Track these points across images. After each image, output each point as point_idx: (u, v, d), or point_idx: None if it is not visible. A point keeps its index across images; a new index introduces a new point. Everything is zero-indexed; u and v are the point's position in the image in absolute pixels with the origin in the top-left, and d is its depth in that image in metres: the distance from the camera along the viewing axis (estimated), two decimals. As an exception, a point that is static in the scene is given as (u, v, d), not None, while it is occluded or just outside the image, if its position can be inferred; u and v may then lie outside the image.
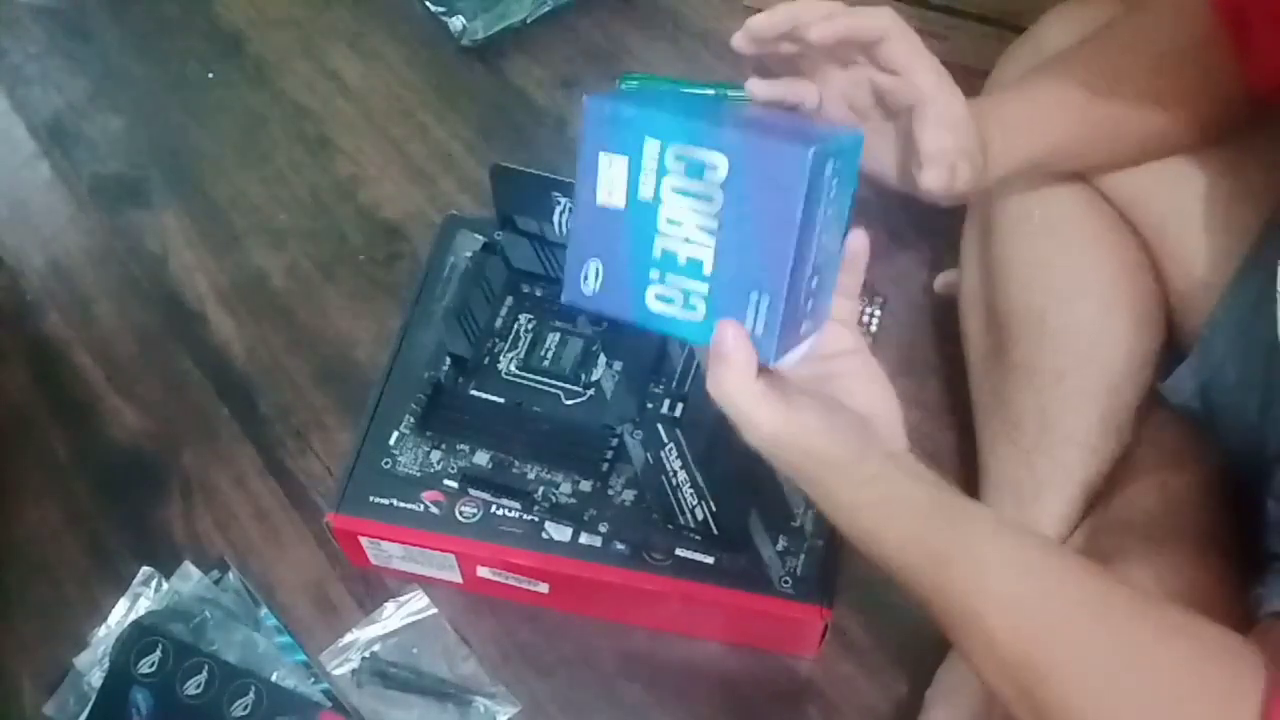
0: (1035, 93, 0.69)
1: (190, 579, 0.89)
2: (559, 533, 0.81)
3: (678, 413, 0.83)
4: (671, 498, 0.79)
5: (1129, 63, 0.68)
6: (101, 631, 0.87)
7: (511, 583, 0.83)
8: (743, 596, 0.78)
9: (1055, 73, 0.70)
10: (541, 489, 0.82)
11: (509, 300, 0.91)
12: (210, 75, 1.21)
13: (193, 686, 0.83)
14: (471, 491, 0.82)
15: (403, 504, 0.82)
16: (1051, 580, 0.52)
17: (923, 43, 0.63)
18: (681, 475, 0.79)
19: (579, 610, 0.86)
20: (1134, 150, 0.72)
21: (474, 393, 0.86)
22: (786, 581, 0.78)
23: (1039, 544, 0.56)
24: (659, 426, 0.81)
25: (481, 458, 0.84)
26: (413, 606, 0.87)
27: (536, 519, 0.81)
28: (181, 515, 0.94)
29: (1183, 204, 0.72)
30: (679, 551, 0.79)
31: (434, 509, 0.82)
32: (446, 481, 0.82)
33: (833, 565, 0.79)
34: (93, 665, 0.86)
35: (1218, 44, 0.65)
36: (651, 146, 0.51)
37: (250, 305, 1.05)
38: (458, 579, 0.86)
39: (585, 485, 0.82)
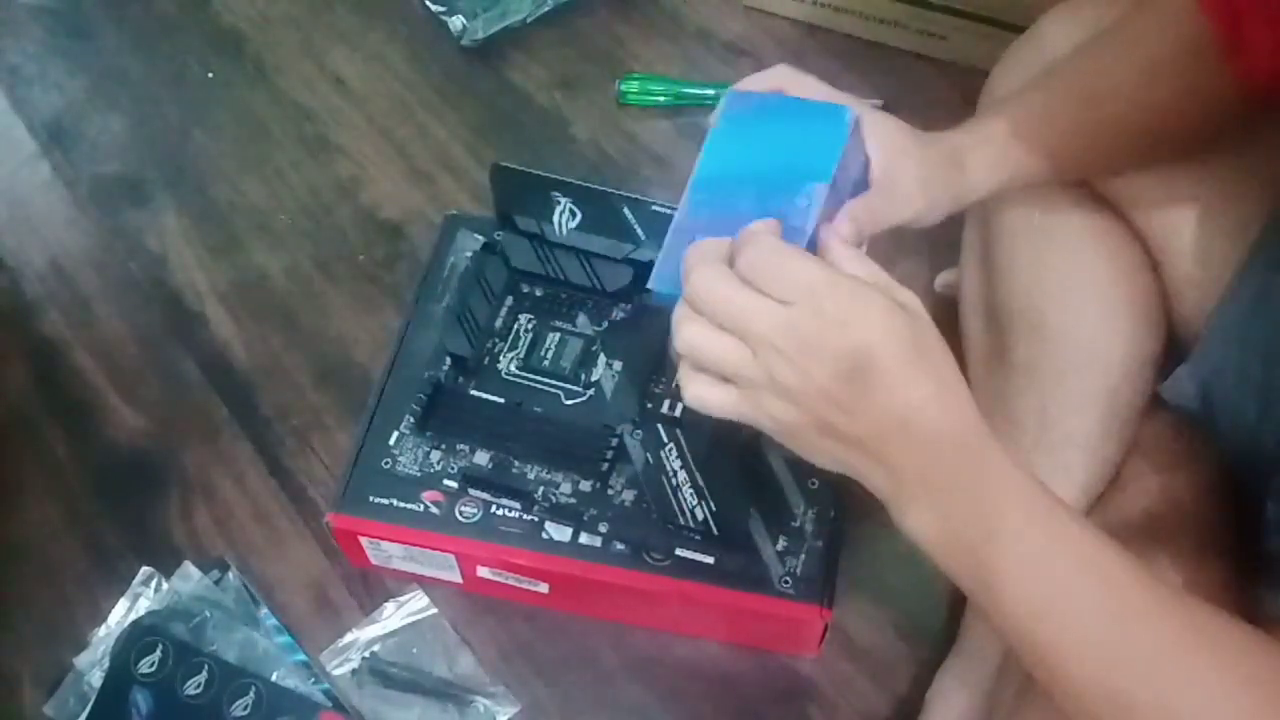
0: (1023, 108, 0.69)
1: (190, 579, 0.89)
2: (559, 533, 0.81)
3: (678, 413, 0.83)
4: (671, 498, 0.79)
5: (1120, 72, 0.68)
6: (101, 631, 0.87)
7: (511, 583, 0.83)
8: (743, 596, 0.78)
9: (1044, 87, 0.70)
10: (541, 489, 0.82)
11: (509, 300, 0.91)
12: (210, 75, 1.21)
13: (193, 686, 0.83)
14: (471, 491, 0.82)
15: (403, 504, 0.82)
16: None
17: (824, 86, 0.64)
18: (681, 475, 0.79)
19: (579, 610, 0.86)
20: (1127, 160, 0.72)
21: (474, 393, 0.86)
22: (786, 581, 0.78)
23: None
24: (659, 426, 0.81)
25: (481, 458, 0.84)
26: (413, 606, 0.87)
27: (536, 519, 0.81)
28: (181, 515, 0.94)
29: (1182, 205, 0.72)
30: (679, 551, 0.79)
31: (434, 509, 0.82)
32: (446, 481, 0.83)
33: (833, 565, 0.79)
34: (93, 665, 0.86)
35: (1209, 47, 0.65)
36: None
37: (250, 305, 1.05)
38: (458, 579, 0.86)
39: (585, 485, 0.82)
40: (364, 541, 0.84)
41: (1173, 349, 0.75)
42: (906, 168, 0.65)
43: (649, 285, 0.63)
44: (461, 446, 0.84)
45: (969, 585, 0.53)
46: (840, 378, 0.51)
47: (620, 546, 0.80)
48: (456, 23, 1.19)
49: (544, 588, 0.83)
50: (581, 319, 0.89)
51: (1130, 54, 0.68)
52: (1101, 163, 0.73)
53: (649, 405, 0.84)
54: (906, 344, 0.52)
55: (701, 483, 0.79)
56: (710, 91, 1.14)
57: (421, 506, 0.82)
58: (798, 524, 0.80)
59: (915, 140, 0.66)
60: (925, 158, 0.66)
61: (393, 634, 0.87)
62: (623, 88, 1.15)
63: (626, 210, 0.87)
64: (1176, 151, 0.71)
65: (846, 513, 0.81)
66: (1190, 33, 0.66)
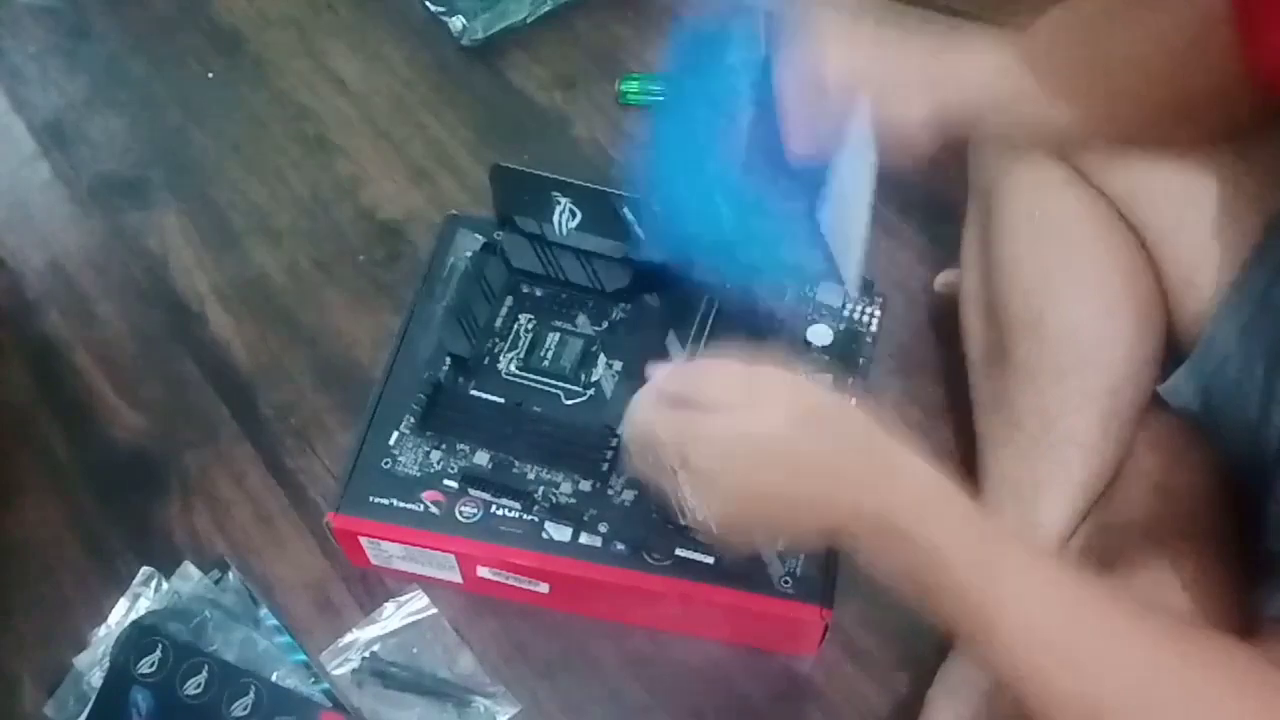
0: (1031, 40, 0.69)
1: (190, 579, 0.89)
2: (559, 533, 0.81)
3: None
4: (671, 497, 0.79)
5: (1139, 46, 0.68)
6: (101, 631, 0.87)
7: (511, 583, 0.84)
8: (743, 596, 0.78)
9: (1058, 39, 0.70)
10: (541, 489, 0.82)
11: (509, 300, 0.91)
12: (210, 75, 1.21)
13: (193, 686, 0.83)
14: (471, 491, 0.82)
15: (403, 504, 0.82)
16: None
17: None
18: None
19: (579, 610, 0.86)
20: (1129, 127, 0.71)
21: (474, 393, 0.86)
22: (786, 581, 0.78)
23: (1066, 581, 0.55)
24: (659, 426, 0.81)
25: (481, 458, 0.84)
26: (413, 606, 0.87)
27: (536, 519, 0.81)
28: (181, 515, 0.94)
29: (1183, 205, 0.72)
30: (679, 551, 0.79)
31: (434, 509, 0.82)
32: (446, 481, 0.83)
33: (833, 565, 0.79)
34: (93, 665, 0.86)
35: (1223, 30, 0.64)
36: None
37: (250, 305, 1.05)
38: (458, 579, 0.86)
39: (585, 485, 0.82)
40: (364, 541, 0.84)
41: (1173, 350, 0.75)
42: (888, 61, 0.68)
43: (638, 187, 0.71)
44: (461, 446, 0.84)
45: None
46: (765, 464, 0.56)
47: (620, 546, 0.80)
48: (456, 23, 1.19)
49: (544, 588, 0.83)
50: (581, 319, 0.89)
51: (1145, 23, 0.68)
52: (1104, 123, 0.72)
53: (649, 405, 0.84)
54: (810, 419, 0.56)
55: (701, 483, 0.79)
56: None
57: (421, 506, 0.82)
58: (798, 524, 0.80)
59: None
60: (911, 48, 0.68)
61: (393, 634, 0.87)
62: (623, 88, 1.15)
63: (626, 210, 0.87)
64: (1178, 136, 0.70)
65: (846, 513, 0.81)
66: (1207, 14, 0.65)
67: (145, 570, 0.90)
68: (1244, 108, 0.67)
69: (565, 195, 0.88)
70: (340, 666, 0.86)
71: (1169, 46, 0.67)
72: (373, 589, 0.89)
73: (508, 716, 0.84)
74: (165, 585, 0.89)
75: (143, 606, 0.88)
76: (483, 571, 0.83)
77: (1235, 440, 0.69)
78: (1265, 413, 0.65)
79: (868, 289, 0.89)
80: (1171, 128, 0.70)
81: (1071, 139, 0.74)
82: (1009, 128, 0.73)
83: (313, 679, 0.85)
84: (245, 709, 0.83)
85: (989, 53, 0.70)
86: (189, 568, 0.89)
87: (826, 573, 0.78)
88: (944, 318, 0.94)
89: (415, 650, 0.86)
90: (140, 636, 0.85)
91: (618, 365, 0.87)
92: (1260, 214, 0.68)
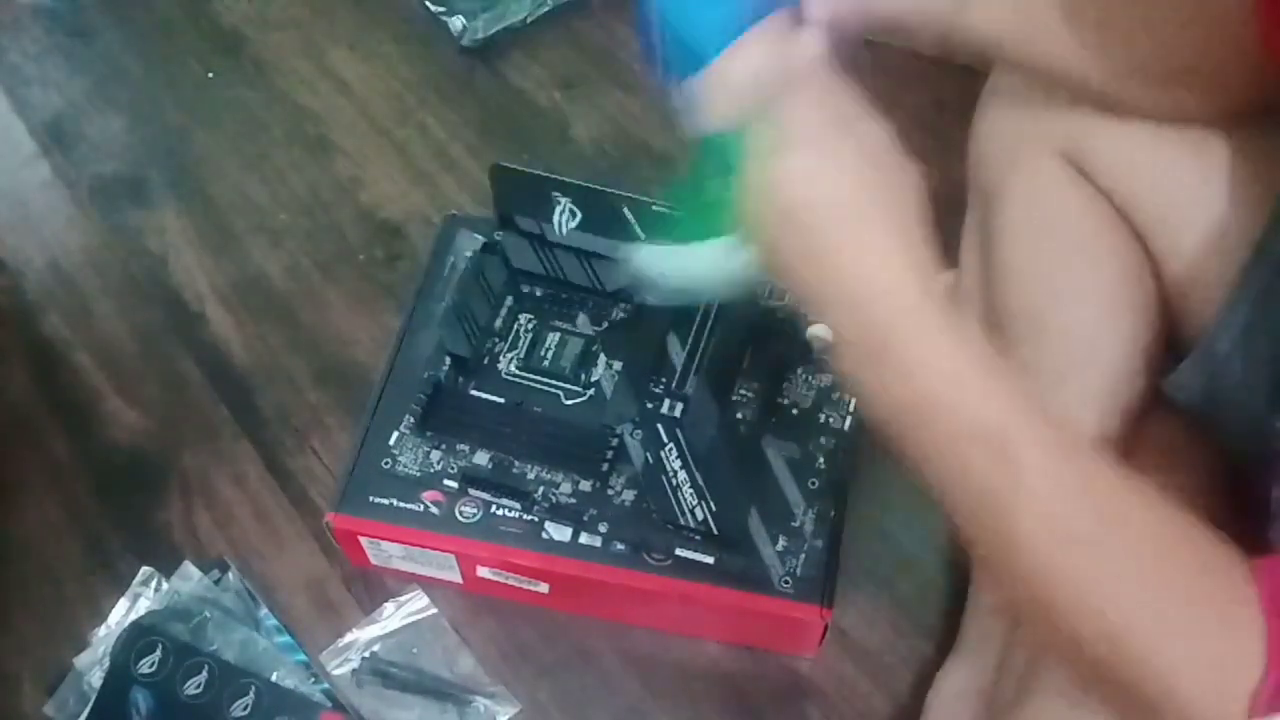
0: None
1: (190, 579, 0.89)
2: (559, 533, 0.81)
3: (678, 413, 0.83)
4: (671, 498, 0.79)
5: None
6: (101, 631, 0.87)
7: (511, 583, 0.84)
8: (743, 596, 0.78)
9: None
10: (541, 489, 0.82)
11: (509, 300, 0.91)
12: (210, 75, 1.21)
13: (193, 686, 0.83)
14: (471, 491, 0.82)
15: (403, 504, 0.82)
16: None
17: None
18: (681, 475, 0.79)
19: (579, 610, 0.86)
20: (1136, 80, 0.70)
21: (474, 393, 0.86)
22: (786, 581, 0.78)
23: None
24: (659, 426, 0.81)
25: (481, 458, 0.84)
26: (413, 606, 0.87)
27: (536, 519, 0.81)
28: (181, 515, 0.94)
29: (1184, 204, 0.72)
30: (679, 551, 0.79)
31: (434, 509, 0.82)
32: (446, 481, 0.83)
33: (833, 565, 0.79)
34: (93, 665, 0.86)
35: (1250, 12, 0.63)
36: None
37: (250, 305, 1.05)
38: (458, 579, 0.86)
39: (585, 485, 0.82)
40: (364, 541, 0.84)
41: (1175, 348, 0.75)
42: None
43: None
44: (461, 446, 0.84)
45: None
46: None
47: (620, 546, 0.80)
48: (456, 23, 1.19)
49: (544, 588, 0.83)
50: (581, 319, 0.89)
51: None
52: (1113, 44, 0.69)
53: (649, 405, 0.84)
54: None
55: (701, 483, 0.79)
56: None
57: (421, 506, 0.82)
58: (798, 524, 0.80)
59: None
60: None
61: (393, 634, 0.87)
62: None
63: (626, 210, 0.87)
64: (1189, 108, 0.69)
65: (846, 513, 0.81)
66: None
67: (145, 570, 0.90)
68: (1257, 85, 0.66)
69: (565, 195, 0.88)
70: (340, 666, 0.86)
71: (1183, 13, 0.66)
72: (373, 589, 0.89)
73: (508, 716, 0.84)
74: (165, 585, 0.89)
75: (143, 606, 0.88)
76: (483, 571, 0.83)
77: (1242, 433, 0.69)
78: (1274, 405, 0.65)
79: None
80: (1183, 94, 0.68)
81: (1082, 88, 0.73)
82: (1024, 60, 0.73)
83: (313, 679, 0.85)
84: (245, 709, 0.83)
85: None
86: (189, 568, 0.89)
87: (826, 573, 0.78)
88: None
89: (415, 650, 0.86)
90: (140, 636, 0.85)
91: (618, 365, 0.87)
92: (1261, 207, 0.68)
